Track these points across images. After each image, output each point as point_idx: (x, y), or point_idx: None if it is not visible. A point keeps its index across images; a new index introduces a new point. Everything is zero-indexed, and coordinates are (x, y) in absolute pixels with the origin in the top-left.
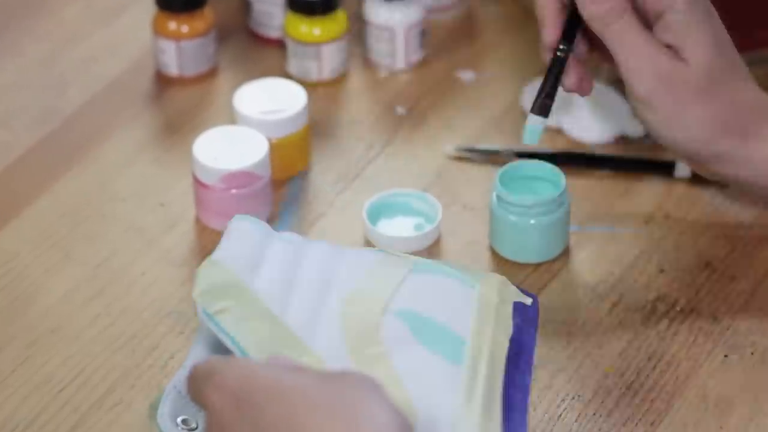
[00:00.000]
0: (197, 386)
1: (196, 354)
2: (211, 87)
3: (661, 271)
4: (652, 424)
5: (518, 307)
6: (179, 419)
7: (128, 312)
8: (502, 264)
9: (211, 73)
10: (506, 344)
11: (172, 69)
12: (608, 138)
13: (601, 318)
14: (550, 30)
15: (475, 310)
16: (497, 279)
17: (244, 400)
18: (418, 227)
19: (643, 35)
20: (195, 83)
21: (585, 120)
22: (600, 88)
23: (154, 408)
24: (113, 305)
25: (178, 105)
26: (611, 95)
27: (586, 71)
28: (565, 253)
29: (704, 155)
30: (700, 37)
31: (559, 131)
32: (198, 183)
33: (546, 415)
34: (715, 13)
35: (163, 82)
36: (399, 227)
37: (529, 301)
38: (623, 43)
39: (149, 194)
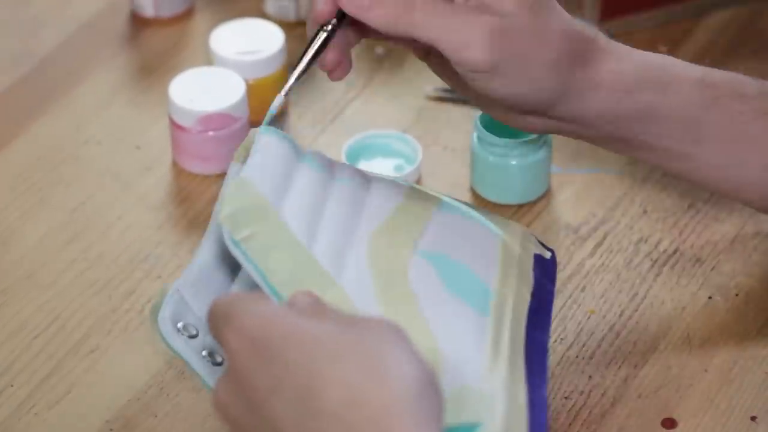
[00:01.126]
0: (217, 325)
1: (204, 257)
2: (187, 28)
3: (645, 212)
4: (635, 366)
5: (537, 259)
6: (180, 324)
7: (104, 257)
8: (483, 206)
9: (187, 14)
10: (528, 298)
11: (148, 10)
12: None
13: (583, 259)
14: (325, 3)
15: (500, 260)
16: (520, 229)
17: (261, 345)
18: (398, 169)
19: (448, 7)
20: (171, 24)
21: None
22: None
23: (156, 309)
24: (89, 250)
25: (153, 46)
26: None
27: (348, 54)
28: (547, 194)
29: (553, 98)
30: None
31: None
32: (174, 125)
33: None
34: None
35: (138, 23)
36: (378, 169)
37: (548, 254)
38: (434, 26)
39: (125, 137)
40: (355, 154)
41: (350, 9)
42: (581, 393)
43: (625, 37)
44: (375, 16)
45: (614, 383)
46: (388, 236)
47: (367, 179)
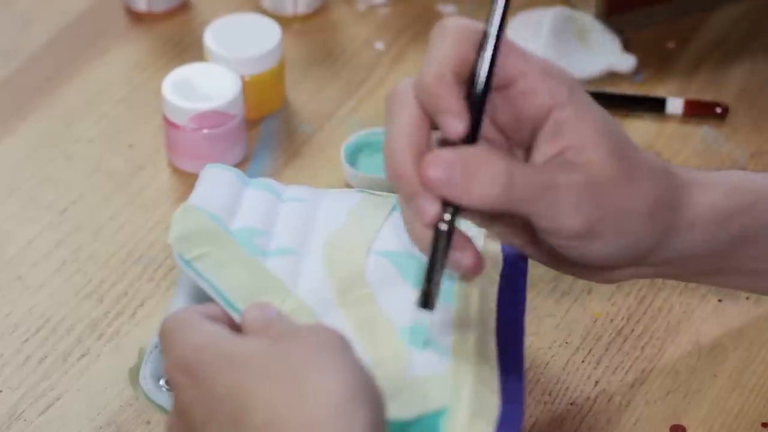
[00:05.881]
0: (164, 361)
1: (179, 306)
2: (181, 23)
3: None
4: (642, 371)
5: (505, 247)
6: (162, 381)
7: (96, 258)
8: None
9: (181, 9)
10: (496, 278)
11: (141, 4)
12: (596, 74)
13: None
14: (431, 204)
15: None
16: None
17: (199, 377)
18: None
19: (539, 175)
20: (164, 19)
21: (571, 55)
22: (587, 21)
23: (135, 371)
24: (80, 251)
25: (147, 42)
26: (598, 29)
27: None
28: None
29: (651, 247)
30: (594, 127)
31: None
32: (168, 123)
33: (533, 362)
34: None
35: (131, 17)
36: (378, 167)
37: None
38: (530, 200)
39: (117, 135)
40: (354, 152)
41: (450, 194)
42: (587, 398)
43: (632, 32)
44: (477, 198)
45: (621, 389)
46: (342, 241)
47: (319, 194)
